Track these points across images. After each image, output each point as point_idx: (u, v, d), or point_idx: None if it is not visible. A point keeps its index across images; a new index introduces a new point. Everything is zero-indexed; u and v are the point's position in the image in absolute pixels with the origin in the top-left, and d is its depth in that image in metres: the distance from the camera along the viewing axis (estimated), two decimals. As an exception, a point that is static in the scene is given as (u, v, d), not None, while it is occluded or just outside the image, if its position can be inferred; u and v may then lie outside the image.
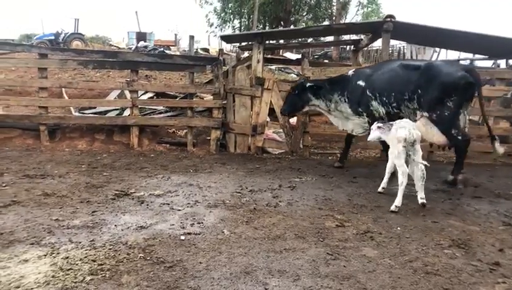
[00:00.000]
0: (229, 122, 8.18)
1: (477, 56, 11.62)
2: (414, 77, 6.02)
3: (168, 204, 4.81)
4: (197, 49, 21.15)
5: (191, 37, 9.37)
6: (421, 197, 4.94)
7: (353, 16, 33.46)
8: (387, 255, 3.61)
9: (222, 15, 33.48)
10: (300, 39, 10.49)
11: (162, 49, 21.07)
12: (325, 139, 8.55)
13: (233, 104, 8.19)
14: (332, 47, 25.99)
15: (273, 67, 14.79)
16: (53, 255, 3.38)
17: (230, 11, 32.72)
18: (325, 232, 4.11)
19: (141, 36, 27.59)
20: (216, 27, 34.00)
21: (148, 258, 3.38)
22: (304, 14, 33.14)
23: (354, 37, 19.09)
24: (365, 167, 7.19)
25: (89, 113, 8.95)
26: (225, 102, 8.32)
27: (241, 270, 3.23)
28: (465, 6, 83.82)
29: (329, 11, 32.12)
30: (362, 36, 11.33)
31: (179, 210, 4.61)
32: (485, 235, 4.17)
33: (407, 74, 6.12)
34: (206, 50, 22.52)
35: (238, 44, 10.82)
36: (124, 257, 3.37)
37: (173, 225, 4.15)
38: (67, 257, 3.34)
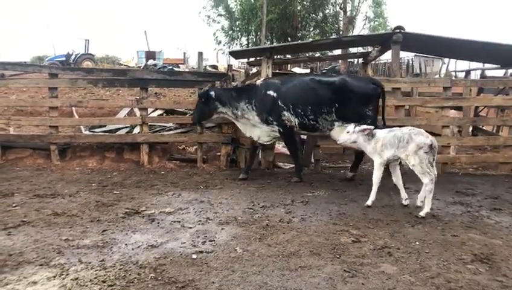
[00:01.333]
0: (239, 137, 8.10)
1: (488, 66, 11.47)
2: (330, 91, 6.47)
3: (179, 222, 4.72)
4: (205, 66, 21.31)
5: (200, 54, 9.42)
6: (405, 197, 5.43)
7: (360, 30, 33.50)
8: (407, 271, 3.47)
9: (230, 33, 33.79)
10: (308, 53, 10.48)
11: (171, 67, 21.25)
12: (336, 152, 8.43)
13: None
14: (340, 61, 25.98)
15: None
16: (62, 276, 3.31)
17: (238, 28, 33.00)
18: (341, 248, 3.98)
19: (150, 55, 27.89)
20: (224, 45, 34.31)
21: (159, 278, 3.28)
22: (311, 29, 33.30)
23: (361, 50, 19.12)
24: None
25: (99, 132, 8.94)
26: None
27: (256, 289, 3.11)
28: (468, 15, 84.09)
29: (336, 26, 32.22)
30: (370, 49, 11.31)
31: (190, 228, 4.52)
32: (508, 248, 4.00)
33: (322, 88, 6.54)
34: (214, 67, 22.69)
35: (246, 60, 10.82)
36: (135, 277, 3.28)
37: (184, 243, 4.06)
38: (77, 278, 3.26)
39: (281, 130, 6.80)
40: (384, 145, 5.21)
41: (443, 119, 7.90)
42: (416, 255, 3.79)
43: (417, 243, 4.11)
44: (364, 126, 5.43)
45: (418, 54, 24.03)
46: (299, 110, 6.59)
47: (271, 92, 6.72)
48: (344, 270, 3.47)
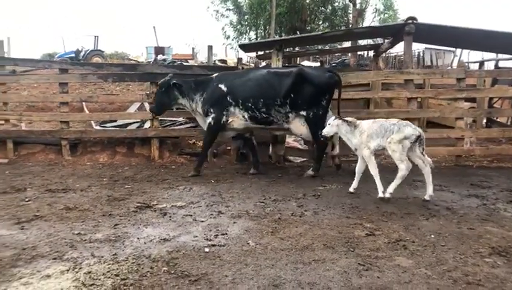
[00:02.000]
0: (250, 131, 8.05)
1: (502, 56, 11.27)
2: (286, 83, 6.44)
3: (191, 215, 4.70)
4: (215, 61, 21.22)
5: (209, 47, 9.35)
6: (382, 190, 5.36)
7: (370, 22, 33.12)
8: (422, 264, 3.41)
9: (238, 27, 33.67)
10: (318, 46, 10.37)
11: (180, 62, 21.23)
12: (347, 145, 8.31)
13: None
14: (349, 54, 25.72)
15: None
16: (75, 270, 3.30)
17: (247, 23, 32.86)
18: (355, 241, 3.92)
19: (159, 50, 27.89)
20: (232, 39, 34.20)
21: (172, 271, 3.26)
22: (320, 23, 33.04)
23: (371, 42, 18.89)
24: (391, 173, 6.91)
25: (109, 127, 8.96)
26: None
27: (269, 283, 3.07)
28: (476, 7, 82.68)
29: (346, 19, 31.93)
30: (381, 41, 11.15)
31: (202, 221, 4.50)
32: (527, 241, 3.91)
33: (277, 80, 6.52)
34: (223, 61, 22.59)
35: (255, 54, 10.75)
36: (148, 271, 3.26)
37: (197, 236, 4.03)
38: (90, 272, 3.25)
39: (212, 122, 6.73)
40: (370, 135, 5.31)
41: (457, 111, 7.76)
42: (431, 249, 3.72)
43: (432, 236, 4.03)
44: (348, 118, 5.57)
45: (428, 47, 23.70)
46: (249, 104, 6.55)
47: (222, 86, 6.71)
48: (358, 263, 3.42)
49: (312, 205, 5.12)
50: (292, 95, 6.45)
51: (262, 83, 6.58)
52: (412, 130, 5.13)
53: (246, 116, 6.64)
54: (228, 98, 6.63)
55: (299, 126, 6.61)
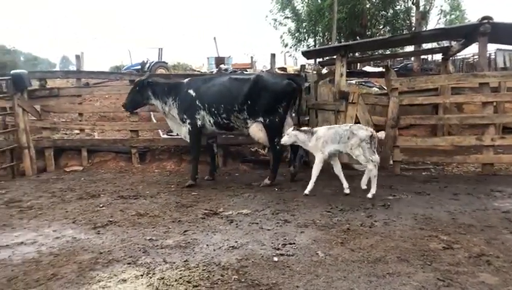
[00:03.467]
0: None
1: None
2: (243, 89, 6.46)
3: (257, 223, 4.69)
4: (274, 69, 21.23)
5: (272, 55, 9.40)
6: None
7: (434, 25, 31.76)
8: (511, 282, 3.13)
9: (296, 35, 33.64)
10: (382, 51, 10.05)
11: (240, 71, 21.57)
12: (416, 153, 7.96)
13: (316, 120, 7.97)
14: (412, 58, 24.75)
15: (353, 81, 14.37)
16: (149, 275, 3.39)
17: (305, 30, 32.75)
18: (431, 254, 3.70)
19: (220, 61, 28.49)
20: (291, 47, 34.23)
21: (242, 280, 3.25)
22: (381, 27, 32.17)
23: (435, 45, 17.99)
24: (465, 182, 6.53)
25: (176, 135, 9.23)
26: (307, 118, 8.14)
27: (343, 296, 2.97)
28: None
29: (408, 22, 30.81)
30: (447, 43, 10.62)
31: (269, 230, 4.47)
32: None
33: (236, 86, 6.56)
34: (283, 69, 22.59)
35: (317, 60, 10.64)
36: (218, 279, 3.28)
37: (264, 245, 4.01)
38: (163, 278, 3.32)
39: (190, 128, 6.81)
40: (325, 141, 5.81)
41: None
42: (519, 265, 3.42)
43: (519, 251, 3.71)
44: (304, 128, 6.13)
45: (501, 48, 22.23)
46: (213, 109, 6.64)
47: (191, 91, 6.76)
48: (437, 278, 3.21)
49: (382, 215, 4.92)
50: (249, 102, 6.47)
51: (223, 89, 6.67)
52: (364, 131, 5.65)
53: (211, 121, 6.75)
54: (197, 102, 6.73)
55: (257, 131, 6.62)
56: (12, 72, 8.31)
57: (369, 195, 5.66)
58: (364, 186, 5.95)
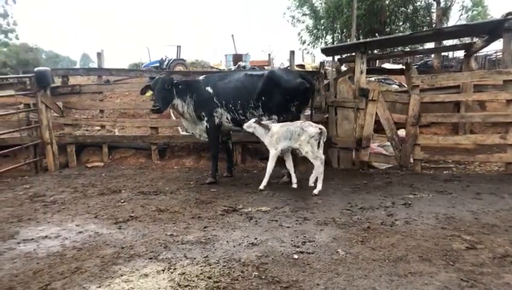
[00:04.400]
0: (332, 136, 7.91)
1: None
2: (258, 85, 6.48)
3: (276, 221, 4.69)
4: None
5: (291, 52, 9.38)
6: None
7: (456, 21, 31.19)
8: (537, 284, 3.06)
9: (314, 32, 33.42)
10: (402, 48, 9.90)
11: (257, 68, 21.56)
12: (437, 151, 7.84)
13: (335, 118, 7.92)
14: (432, 56, 24.36)
15: (373, 78, 14.23)
16: (170, 270, 3.43)
17: (323, 27, 32.52)
18: (454, 254, 3.65)
19: (238, 58, 28.53)
20: (308, 44, 34.03)
21: (263, 277, 3.26)
22: (400, 23, 31.71)
23: (456, 42, 17.64)
24: (488, 181, 6.41)
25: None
26: (327, 116, 8.10)
27: (364, 294, 2.95)
28: None
29: (428, 18, 30.30)
30: (469, 40, 10.42)
31: (288, 227, 4.47)
32: None
33: (251, 82, 6.56)
34: (301, 66, 22.50)
35: (336, 57, 10.56)
36: (239, 275, 3.29)
37: (284, 242, 4.01)
38: (184, 273, 3.35)
39: (208, 126, 6.79)
40: (278, 138, 6.01)
41: None
42: (546, 267, 3.34)
43: (546, 253, 3.63)
44: (264, 122, 6.23)
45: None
46: (231, 106, 6.64)
47: (208, 88, 6.71)
48: (461, 279, 3.17)
49: (403, 214, 4.87)
50: (263, 98, 6.48)
51: (239, 85, 6.63)
52: (314, 128, 5.84)
53: (229, 118, 6.73)
54: (215, 99, 6.69)
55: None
56: (35, 69, 8.47)
57: (315, 191, 5.82)
58: (311, 184, 6.06)
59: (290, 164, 6.33)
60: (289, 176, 6.42)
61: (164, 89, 6.57)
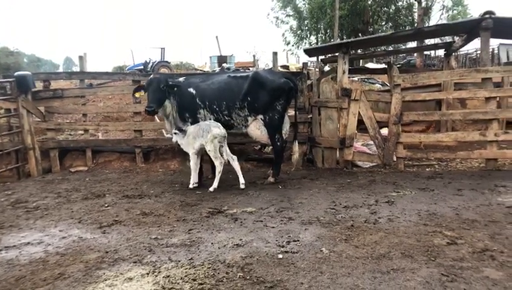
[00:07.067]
0: (316, 136, 7.98)
1: None
2: (242, 86, 6.58)
3: (261, 221, 4.71)
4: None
5: (274, 54, 9.42)
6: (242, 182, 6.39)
7: (437, 20, 31.72)
8: (515, 277, 3.14)
9: (298, 32, 33.70)
10: (385, 47, 10.04)
11: (243, 70, 21.59)
12: (420, 149, 7.96)
13: (319, 118, 7.99)
14: (415, 55, 24.70)
15: (356, 78, 14.36)
16: (155, 273, 3.42)
17: (307, 27, 32.80)
18: (435, 250, 3.71)
19: (222, 59, 28.54)
20: (293, 45, 34.30)
21: (247, 277, 3.27)
22: (383, 23, 32.14)
23: (438, 40, 17.91)
24: (469, 178, 6.53)
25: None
26: (310, 116, 8.16)
27: (347, 292, 2.99)
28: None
29: (410, 18, 30.77)
30: (450, 39, 10.59)
31: (273, 227, 4.49)
32: None
33: (236, 83, 6.64)
34: (285, 67, 22.59)
35: (319, 57, 10.64)
36: (224, 276, 3.30)
37: (269, 242, 4.03)
38: (169, 276, 3.35)
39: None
40: (194, 137, 6.26)
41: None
42: (524, 260, 3.43)
43: (523, 246, 3.72)
44: (180, 128, 6.49)
45: (504, 42, 22.14)
46: (215, 107, 6.65)
47: (191, 90, 6.71)
48: (441, 274, 3.23)
49: (386, 211, 4.94)
50: (249, 98, 6.55)
51: (224, 86, 6.67)
52: (218, 130, 6.12)
53: (212, 119, 6.67)
54: (197, 100, 6.67)
55: (254, 129, 6.72)
56: (16, 73, 8.35)
57: (211, 189, 6.20)
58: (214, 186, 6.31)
59: (236, 166, 6.48)
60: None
61: (159, 90, 6.47)
